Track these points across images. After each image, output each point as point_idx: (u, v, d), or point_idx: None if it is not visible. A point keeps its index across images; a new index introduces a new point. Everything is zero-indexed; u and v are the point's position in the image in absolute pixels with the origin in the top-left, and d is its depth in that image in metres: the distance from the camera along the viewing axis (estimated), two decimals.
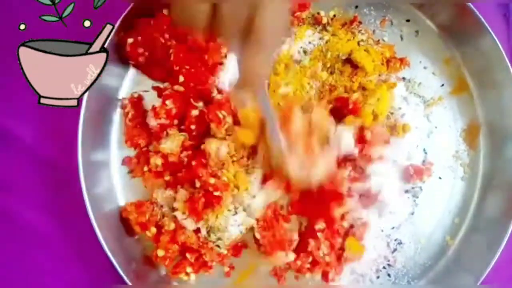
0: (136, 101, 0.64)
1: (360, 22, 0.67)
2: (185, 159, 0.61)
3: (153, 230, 0.61)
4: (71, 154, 0.60)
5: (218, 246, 0.62)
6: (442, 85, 0.67)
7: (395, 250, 0.64)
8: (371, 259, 0.64)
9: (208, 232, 0.62)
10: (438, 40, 0.68)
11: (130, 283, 0.59)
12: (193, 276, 0.62)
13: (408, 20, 0.68)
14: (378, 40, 0.67)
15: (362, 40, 0.66)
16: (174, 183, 0.62)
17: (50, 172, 0.66)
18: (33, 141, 0.66)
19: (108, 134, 0.65)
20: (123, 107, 0.65)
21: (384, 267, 0.64)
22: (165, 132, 0.63)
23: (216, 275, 0.63)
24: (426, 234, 0.65)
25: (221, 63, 0.63)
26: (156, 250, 0.61)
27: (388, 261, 0.64)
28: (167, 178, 0.62)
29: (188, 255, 0.61)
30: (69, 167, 0.61)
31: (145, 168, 0.62)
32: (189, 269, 0.62)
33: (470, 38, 0.65)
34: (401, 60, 0.66)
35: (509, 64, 0.61)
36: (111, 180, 0.65)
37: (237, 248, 0.63)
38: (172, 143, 0.61)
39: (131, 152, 0.65)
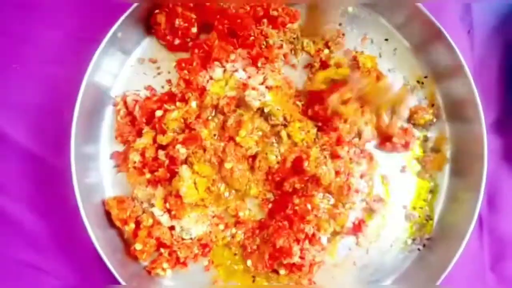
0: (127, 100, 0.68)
1: (343, 34, 0.72)
2: (165, 160, 0.65)
3: (132, 225, 0.65)
4: (61, 150, 0.63)
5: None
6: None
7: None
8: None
9: (181, 231, 0.66)
10: (414, 59, 0.73)
11: (115, 273, 0.61)
12: (169, 272, 0.66)
13: (386, 39, 0.73)
14: (362, 51, 0.72)
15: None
16: (155, 181, 0.66)
17: (40, 168, 0.69)
18: (24, 138, 0.69)
19: (99, 129, 0.69)
20: (115, 105, 0.68)
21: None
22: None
23: (197, 270, 0.67)
24: (393, 238, 0.70)
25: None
26: (134, 244, 0.65)
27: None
28: (148, 176, 0.66)
29: (162, 250, 0.65)
30: (59, 163, 0.64)
31: (130, 165, 0.66)
32: (165, 265, 0.65)
33: (440, 57, 0.70)
34: (378, 77, 0.71)
35: (473, 85, 0.67)
36: (99, 173, 0.68)
37: (205, 246, 0.67)
38: (145, 140, 0.65)
39: (121, 148, 0.69)
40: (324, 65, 0.71)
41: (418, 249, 0.69)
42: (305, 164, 0.64)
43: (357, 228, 0.68)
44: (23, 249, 0.68)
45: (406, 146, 0.70)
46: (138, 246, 0.64)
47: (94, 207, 0.65)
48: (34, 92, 0.70)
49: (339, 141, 0.67)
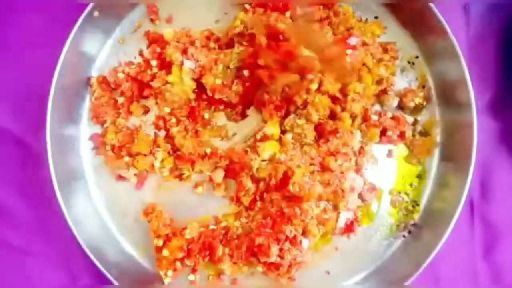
0: (102, 81, 0.67)
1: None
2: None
3: (160, 242, 0.64)
4: (41, 132, 0.62)
5: None
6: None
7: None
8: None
9: None
10: (404, 38, 0.70)
11: (94, 259, 0.62)
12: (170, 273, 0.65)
13: (376, 17, 0.70)
14: (367, 19, 0.69)
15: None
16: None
17: (23, 151, 0.69)
18: (6, 121, 0.69)
19: (79, 110, 0.68)
20: (90, 85, 0.67)
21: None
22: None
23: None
24: (378, 224, 0.68)
25: None
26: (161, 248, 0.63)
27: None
28: (126, 159, 0.65)
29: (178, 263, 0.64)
30: (39, 145, 0.64)
31: (107, 147, 0.65)
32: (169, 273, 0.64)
33: (431, 37, 0.66)
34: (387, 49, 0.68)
35: (465, 68, 0.63)
36: (79, 155, 0.68)
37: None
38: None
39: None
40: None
41: (404, 236, 0.67)
42: (290, 186, 0.62)
43: (349, 228, 0.66)
44: (8, 230, 0.69)
45: (402, 136, 0.67)
46: (165, 252, 0.63)
47: (74, 189, 0.65)
48: (14, 75, 0.69)
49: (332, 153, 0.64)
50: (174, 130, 0.65)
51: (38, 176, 0.65)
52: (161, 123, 0.67)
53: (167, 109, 0.66)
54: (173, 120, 0.66)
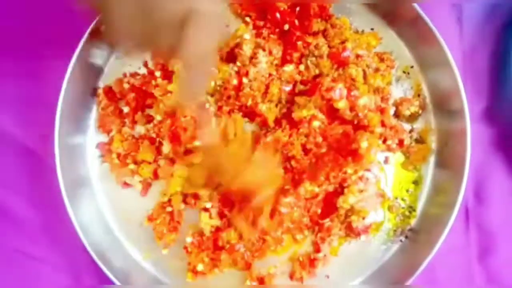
0: (109, 91, 0.69)
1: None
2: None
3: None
4: (49, 141, 0.65)
5: None
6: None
7: None
8: None
9: None
10: (400, 48, 0.72)
11: (100, 263, 0.64)
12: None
13: (372, 29, 0.72)
14: (363, 30, 0.71)
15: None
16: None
17: (28, 158, 0.71)
18: (15, 131, 0.71)
19: (87, 120, 0.71)
20: (97, 95, 0.70)
21: None
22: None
23: None
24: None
25: None
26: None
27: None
28: (131, 167, 0.67)
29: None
30: (47, 154, 0.66)
31: (113, 156, 0.68)
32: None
33: (425, 46, 0.69)
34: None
35: (458, 77, 0.65)
36: (86, 163, 0.70)
37: None
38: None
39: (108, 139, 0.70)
40: None
41: (401, 240, 0.69)
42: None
43: (365, 230, 0.68)
44: (15, 236, 0.71)
45: (400, 144, 0.69)
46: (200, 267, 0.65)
47: (81, 196, 0.67)
48: (24, 85, 0.72)
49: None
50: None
51: (46, 183, 0.67)
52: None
53: (159, 117, 0.67)
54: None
